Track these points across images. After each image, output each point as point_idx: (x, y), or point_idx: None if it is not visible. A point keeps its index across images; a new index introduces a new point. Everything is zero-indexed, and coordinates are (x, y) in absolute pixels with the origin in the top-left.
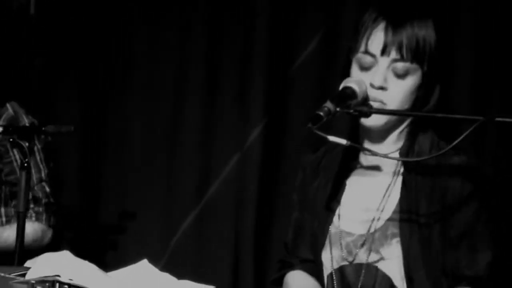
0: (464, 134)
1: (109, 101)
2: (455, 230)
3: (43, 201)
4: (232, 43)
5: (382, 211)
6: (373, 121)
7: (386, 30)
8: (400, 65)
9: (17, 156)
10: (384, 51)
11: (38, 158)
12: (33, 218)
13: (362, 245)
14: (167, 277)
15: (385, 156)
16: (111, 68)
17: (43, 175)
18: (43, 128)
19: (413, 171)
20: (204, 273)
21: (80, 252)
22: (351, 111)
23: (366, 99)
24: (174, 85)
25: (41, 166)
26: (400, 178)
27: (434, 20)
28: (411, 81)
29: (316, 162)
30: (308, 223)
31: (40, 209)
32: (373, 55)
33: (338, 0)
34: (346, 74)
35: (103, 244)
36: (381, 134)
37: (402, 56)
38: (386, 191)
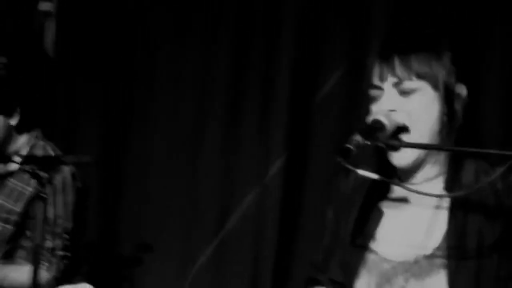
0: (505, 167)
1: (130, 129)
2: (504, 270)
3: (60, 253)
4: (255, 74)
5: (425, 242)
6: (402, 160)
7: (381, 59)
8: (403, 84)
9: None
10: (382, 78)
11: (61, 193)
12: (44, 267)
13: (402, 273)
14: None
15: (427, 194)
16: (133, 95)
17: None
18: (62, 158)
19: (460, 202)
20: None
21: (97, 285)
22: (381, 144)
23: (395, 133)
24: (194, 116)
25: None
26: (444, 209)
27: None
28: (420, 97)
29: (350, 187)
30: (340, 248)
31: (54, 260)
32: (377, 87)
33: (363, 32)
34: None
35: (120, 277)
36: (413, 168)
37: (398, 77)
38: (430, 223)
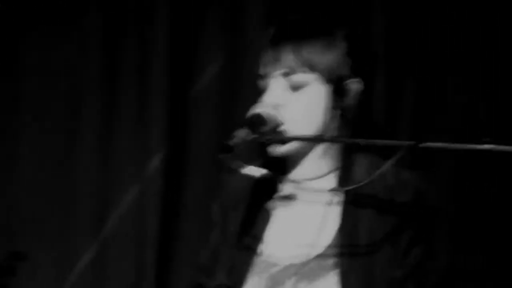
0: (392, 161)
1: None
2: (399, 271)
3: None
4: (130, 66)
5: (317, 240)
6: (281, 148)
7: (271, 47)
8: (293, 77)
9: None
10: (271, 67)
11: None
12: None
13: (292, 276)
14: None
15: (318, 189)
16: None
17: None
18: None
19: (352, 198)
20: None
21: None
22: (264, 138)
23: (278, 125)
24: (66, 113)
25: None
26: (336, 206)
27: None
28: (309, 92)
29: (238, 185)
30: (228, 248)
31: None
32: (266, 77)
33: (239, 18)
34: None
35: None
36: (299, 160)
37: (289, 67)
38: (322, 221)
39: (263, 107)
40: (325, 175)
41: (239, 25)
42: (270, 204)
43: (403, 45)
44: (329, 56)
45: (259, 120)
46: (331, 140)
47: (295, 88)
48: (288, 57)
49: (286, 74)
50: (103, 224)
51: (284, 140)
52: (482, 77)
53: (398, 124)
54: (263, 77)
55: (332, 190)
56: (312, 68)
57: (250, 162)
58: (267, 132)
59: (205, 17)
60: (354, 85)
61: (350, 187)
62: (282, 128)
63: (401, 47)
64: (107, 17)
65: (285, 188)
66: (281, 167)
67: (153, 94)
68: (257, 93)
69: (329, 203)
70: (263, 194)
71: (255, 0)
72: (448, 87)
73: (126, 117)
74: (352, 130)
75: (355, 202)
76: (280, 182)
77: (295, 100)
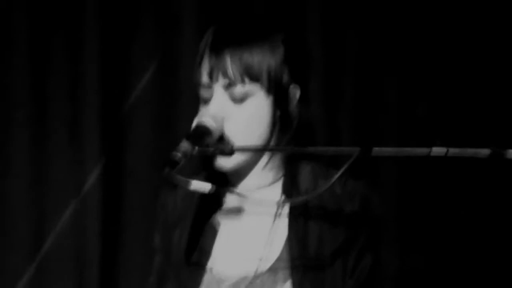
0: (342, 170)
1: None
2: (350, 281)
3: None
4: (60, 75)
5: (265, 254)
6: (228, 162)
7: (210, 55)
8: (235, 89)
9: None
10: (212, 77)
11: None
12: None
13: None
14: None
15: (265, 201)
16: None
17: None
18: None
19: (299, 208)
20: None
21: None
22: (212, 150)
23: (223, 137)
24: None
25: None
26: (284, 216)
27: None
28: (252, 104)
29: (179, 201)
30: (173, 270)
31: None
32: (207, 86)
33: (173, 22)
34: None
35: None
36: (244, 172)
37: (230, 79)
38: (270, 233)
39: (207, 118)
40: (270, 184)
41: (174, 33)
42: (216, 218)
43: (340, 48)
44: (269, 62)
45: (204, 131)
46: (280, 150)
47: (238, 100)
48: (228, 65)
49: (227, 86)
50: (41, 244)
51: (231, 152)
52: (421, 77)
53: (339, 127)
54: (203, 86)
55: (279, 201)
56: (253, 77)
57: (194, 176)
58: (213, 144)
59: (137, 22)
60: (294, 92)
61: (298, 199)
62: (227, 139)
63: (338, 50)
64: (34, 33)
65: (231, 201)
66: (225, 179)
67: (86, 109)
68: (196, 103)
69: (276, 215)
70: (208, 208)
71: (190, 6)
72: (386, 87)
73: (59, 135)
74: (294, 138)
75: (302, 213)
76: (225, 195)
77: (238, 113)
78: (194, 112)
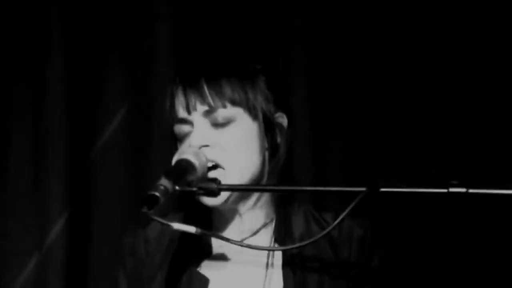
0: (347, 210)
1: None
2: None
3: None
4: (22, 118)
5: None
6: (216, 199)
7: (184, 87)
8: (216, 114)
9: None
10: (189, 109)
11: None
12: None
13: None
14: None
15: (255, 248)
16: None
17: None
18: None
19: (294, 256)
20: None
21: None
22: (195, 189)
23: (207, 172)
24: None
25: None
26: (278, 265)
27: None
28: (237, 127)
29: (151, 245)
30: None
31: None
32: (184, 120)
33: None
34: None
35: None
36: (231, 212)
37: (209, 104)
38: (263, 284)
39: (188, 152)
40: (261, 228)
41: (146, 73)
42: (202, 266)
43: (324, 77)
44: (249, 91)
45: (185, 167)
46: (278, 190)
47: (220, 125)
48: (205, 92)
49: (207, 113)
50: None
51: (217, 192)
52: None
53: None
54: (179, 121)
55: (272, 249)
56: (234, 102)
57: (174, 212)
58: (196, 182)
59: (105, 68)
60: (281, 120)
61: (292, 246)
62: (213, 174)
63: (322, 79)
64: None
65: (216, 247)
66: (209, 220)
67: (50, 155)
68: (172, 147)
69: (270, 264)
70: (190, 255)
71: (163, 45)
72: (373, 114)
73: (21, 183)
74: (284, 174)
75: (298, 263)
76: (210, 238)
77: (223, 137)
78: (169, 157)
